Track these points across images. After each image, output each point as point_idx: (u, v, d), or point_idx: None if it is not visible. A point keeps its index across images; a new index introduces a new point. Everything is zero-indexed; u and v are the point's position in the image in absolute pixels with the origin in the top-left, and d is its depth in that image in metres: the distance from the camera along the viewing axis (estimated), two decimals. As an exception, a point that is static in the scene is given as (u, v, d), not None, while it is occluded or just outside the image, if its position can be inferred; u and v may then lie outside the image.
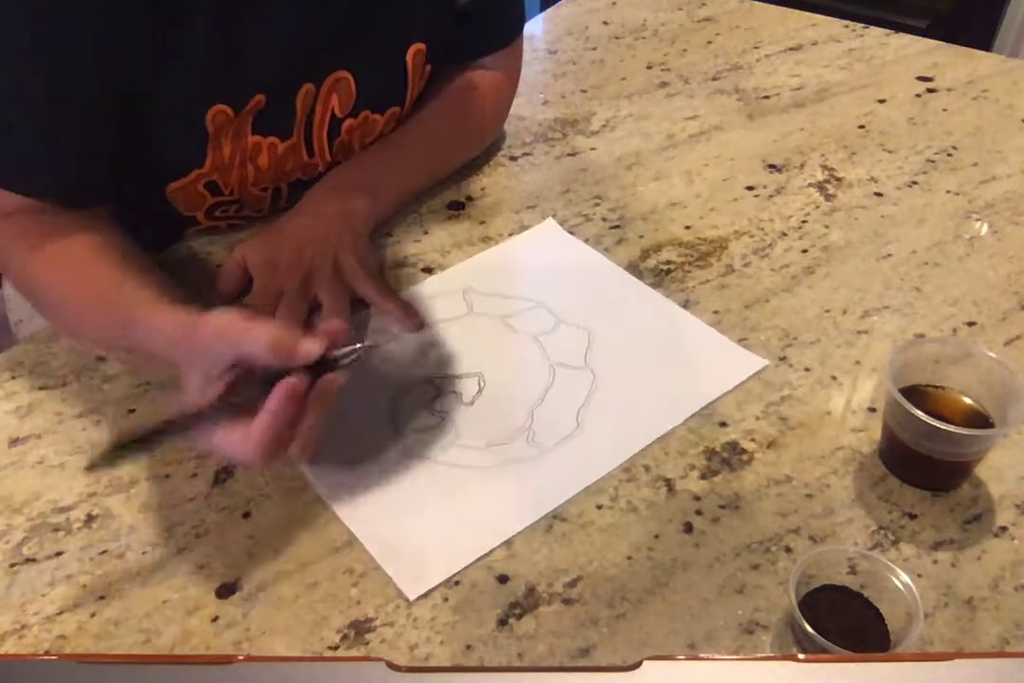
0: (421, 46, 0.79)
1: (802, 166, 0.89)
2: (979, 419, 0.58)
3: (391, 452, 0.63)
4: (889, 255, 0.78)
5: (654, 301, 0.74)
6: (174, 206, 0.76)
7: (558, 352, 0.70)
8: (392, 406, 0.66)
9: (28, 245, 0.67)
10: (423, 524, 0.59)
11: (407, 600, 0.54)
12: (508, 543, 0.57)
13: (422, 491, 0.61)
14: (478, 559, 0.56)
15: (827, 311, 0.73)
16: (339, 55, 0.74)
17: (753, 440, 0.63)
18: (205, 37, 0.65)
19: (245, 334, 0.53)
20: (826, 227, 0.82)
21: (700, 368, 0.68)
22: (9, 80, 0.62)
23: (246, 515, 0.59)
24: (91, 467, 0.56)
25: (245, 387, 0.54)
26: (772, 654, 0.51)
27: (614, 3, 1.20)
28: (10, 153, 0.65)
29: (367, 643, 0.52)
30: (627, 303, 0.74)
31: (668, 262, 0.78)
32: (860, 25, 1.13)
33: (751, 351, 0.69)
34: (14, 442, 0.64)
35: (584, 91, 1.02)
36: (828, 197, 0.85)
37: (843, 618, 0.51)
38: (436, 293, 0.75)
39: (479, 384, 0.68)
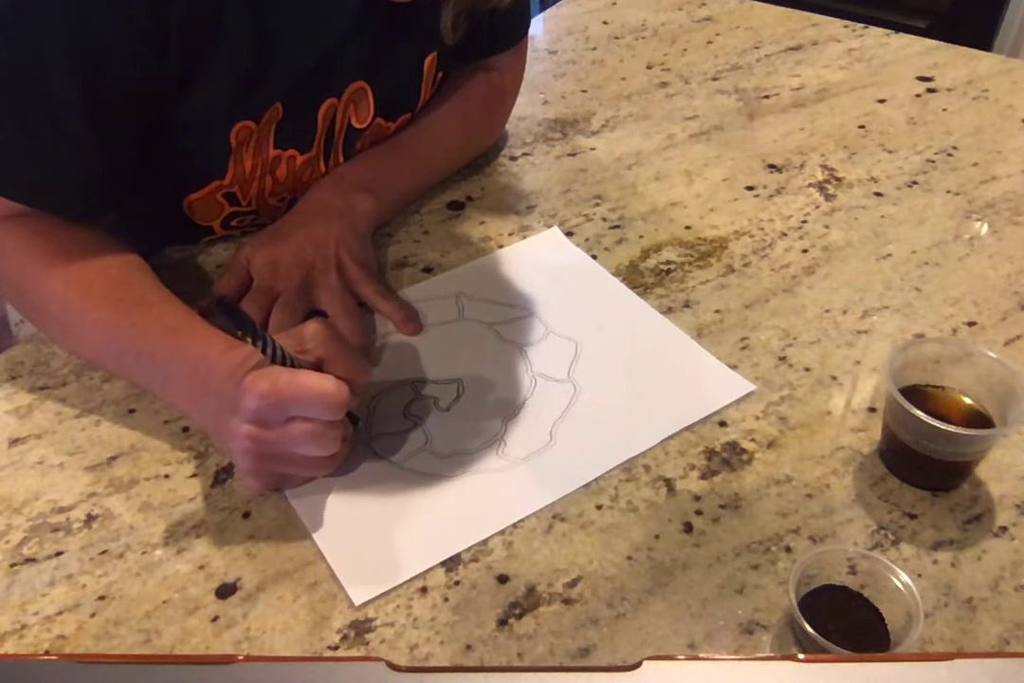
0: (435, 54, 0.79)
1: (802, 166, 0.89)
2: (979, 419, 0.58)
3: (358, 454, 0.62)
4: (889, 255, 0.78)
5: (649, 318, 0.72)
6: (190, 216, 0.76)
7: (542, 363, 0.69)
8: (366, 407, 0.65)
9: (42, 255, 0.65)
10: (380, 529, 0.58)
11: (408, 600, 0.54)
12: (508, 543, 0.57)
13: (383, 495, 0.60)
14: (427, 571, 0.56)
15: (827, 311, 0.73)
16: (361, 67, 0.74)
17: (753, 440, 0.63)
18: (236, 52, 0.65)
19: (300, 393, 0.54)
20: (826, 227, 0.81)
21: (683, 390, 0.66)
22: (40, 92, 0.60)
23: (246, 515, 0.59)
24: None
25: None
26: (772, 654, 0.51)
27: (614, 3, 1.20)
28: (29, 164, 0.63)
29: (367, 643, 0.52)
30: (621, 318, 0.72)
31: (668, 262, 0.78)
32: (860, 25, 1.13)
33: (751, 352, 0.69)
34: (14, 442, 0.64)
35: (584, 91, 1.02)
36: (828, 197, 0.85)
37: (843, 618, 0.51)
38: (428, 296, 0.75)
39: (458, 390, 0.67)
